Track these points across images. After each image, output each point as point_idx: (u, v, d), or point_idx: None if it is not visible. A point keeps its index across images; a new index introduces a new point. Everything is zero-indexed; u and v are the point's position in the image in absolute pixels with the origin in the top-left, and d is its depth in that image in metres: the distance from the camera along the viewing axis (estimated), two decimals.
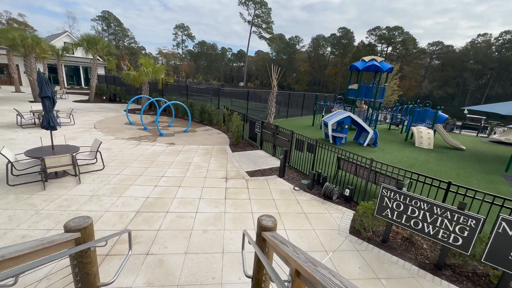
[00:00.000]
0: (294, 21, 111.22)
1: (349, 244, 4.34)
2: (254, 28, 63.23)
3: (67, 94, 21.84)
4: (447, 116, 15.59)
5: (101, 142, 6.68)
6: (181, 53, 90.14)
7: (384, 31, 69.40)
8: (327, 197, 6.06)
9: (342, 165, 6.67)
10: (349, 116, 11.96)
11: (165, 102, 15.80)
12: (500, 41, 57.69)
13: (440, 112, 14.45)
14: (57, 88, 20.98)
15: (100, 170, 6.64)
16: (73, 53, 30.37)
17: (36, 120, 10.76)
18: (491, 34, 59.53)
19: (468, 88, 61.09)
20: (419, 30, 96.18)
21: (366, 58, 15.96)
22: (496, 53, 58.29)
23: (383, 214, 4.27)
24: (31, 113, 10.77)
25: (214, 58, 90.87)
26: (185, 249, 3.86)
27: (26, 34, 16.03)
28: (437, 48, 67.46)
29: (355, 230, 4.77)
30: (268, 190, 6.31)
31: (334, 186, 5.96)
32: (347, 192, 5.82)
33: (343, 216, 5.29)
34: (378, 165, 5.57)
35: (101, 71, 31.12)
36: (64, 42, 28.64)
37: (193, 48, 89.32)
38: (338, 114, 12.23)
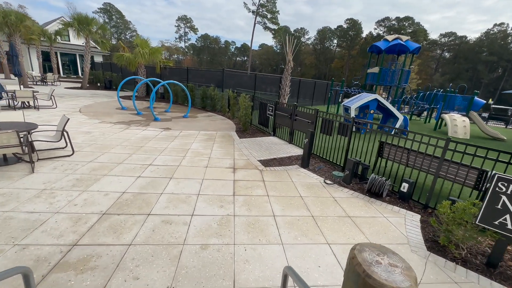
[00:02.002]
0: (298, 16, 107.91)
1: (436, 270, 2.68)
2: (258, 19, 60.87)
3: (59, 82, 20.31)
4: (485, 102, 13.74)
5: (68, 119, 5.08)
6: (183, 47, 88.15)
7: (393, 22, 66.71)
8: (373, 193, 4.40)
9: (388, 152, 4.99)
10: (375, 99, 10.21)
11: (163, 85, 14.24)
12: None
13: (476, 98, 12.61)
14: (49, 74, 19.41)
15: (69, 156, 5.04)
16: (69, 40, 28.88)
17: (11, 102, 9.22)
18: (507, 24, 56.63)
19: (482, 81, 58.49)
20: (425, 24, 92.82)
21: (389, 37, 14.10)
22: None
23: (495, 222, 2.60)
24: (4, 93, 9.20)
25: (217, 51, 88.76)
26: (170, 282, 2.25)
27: (10, 11, 14.41)
28: (449, 39, 64.66)
29: (436, 244, 3.11)
30: (290, 183, 4.66)
31: (384, 179, 4.30)
32: (404, 187, 4.15)
33: (406, 221, 3.63)
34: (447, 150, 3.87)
35: (98, 59, 29.51)
36: (59, 28, 27.01)
37: (196, 41, 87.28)
38: (362, 97, 10.47)
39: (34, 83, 18.39)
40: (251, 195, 4.05)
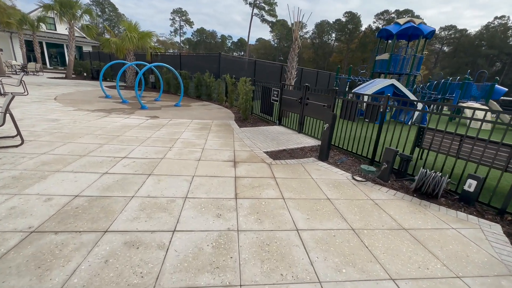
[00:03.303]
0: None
1: None
2: (256, 11, 59.20)
3: (42, 72, 18.84)
4: (506, 90, 12.71)
5: (13, 97, 3.84)
6: (179, 41, 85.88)
7: (393, 15, 65.52)
8: (424, 194, 3.28)
9: (436, 142, 3.86)
10: (391, 85, 9.09)
11: (151, 69, 12.98)
12: None
13: (497, 85, 11.57)
14: (30, 63, 17.90)
15: (16, 146, 3.83)
16: (55, 29, 27.21)
17: None
18: (508, 17, 55.78)
19: (482, 75, 57.80)
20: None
21: (401, 21, 12.93)
22: None
23: None
24: None
25: (214, 46, 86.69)
26: None
27: None
28: (449, 33, 63.71)
29: None
30: (310, 181, 3.52)
31: (440, 175, 3.17)
32: (469, 185, 3.04)
33: (486, 235, 2.51)
34: None
35: (88, 49, 27.93)
36: (45, 16, 25.32)
37: (191, 36, 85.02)
38: (376, 83, 9.35)
39: (14, 72, 16.92)
40: (260, 198, 2.90)
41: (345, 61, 67.38)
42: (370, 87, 9.38)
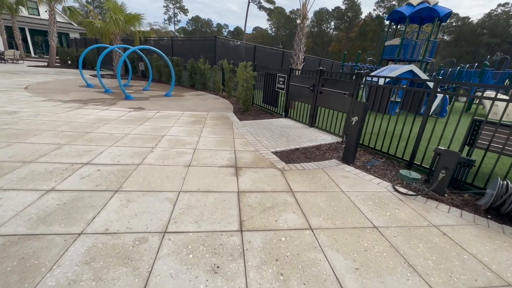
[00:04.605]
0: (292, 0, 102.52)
1: None
2: None
3: (23, 60, 17.40)
4: None
5: None
6: (173, 30, 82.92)
7: (394, 2, 63.68)
8: (504, 215, 2.36)
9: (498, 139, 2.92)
10: (410, 71, 8.08)
11: (140, 57, 11.83)
12: None
13: None
14: (8, 51, 16.44)
15: None
16: (38, 14, 25.43)
17: None
18: None
19: (503, 61, 56.86)
20: None
21: (414, 1, 11.79)
22: None
23: None
24: None
25: (209, 35, 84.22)
26: None
27: None
28: (450, 21, 62.21)
29: None
30: (341, 195, 2.56)
31: None
32: None
33: None
34: None
35: (75, 35, 26.26)
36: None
37: (186, 25, 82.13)
38: (393, 70, 8.33)
39: None
40: (277, 230, 1.95)
41: (344, 50, 65.81)
42: (386, 74, 8.37)
